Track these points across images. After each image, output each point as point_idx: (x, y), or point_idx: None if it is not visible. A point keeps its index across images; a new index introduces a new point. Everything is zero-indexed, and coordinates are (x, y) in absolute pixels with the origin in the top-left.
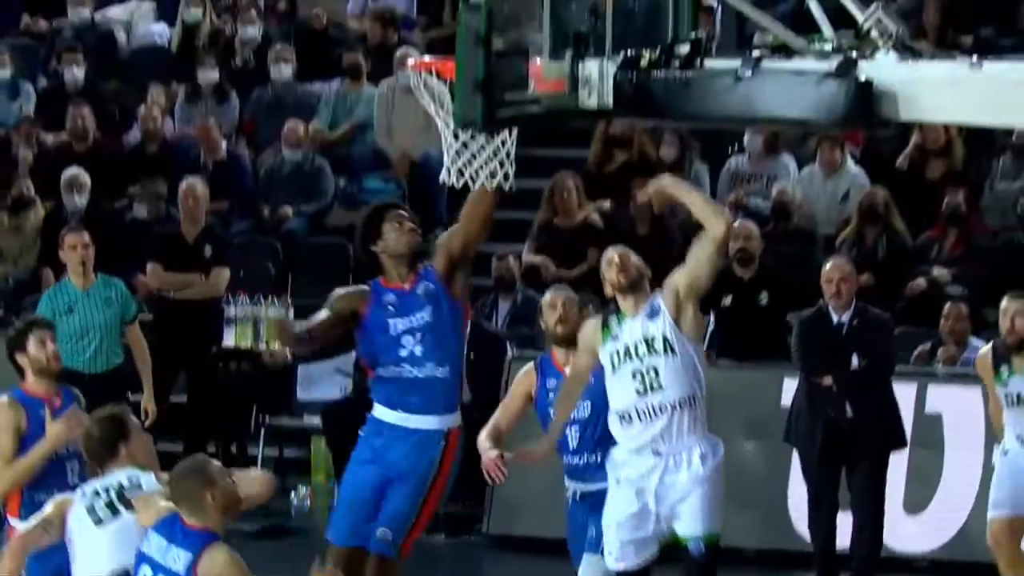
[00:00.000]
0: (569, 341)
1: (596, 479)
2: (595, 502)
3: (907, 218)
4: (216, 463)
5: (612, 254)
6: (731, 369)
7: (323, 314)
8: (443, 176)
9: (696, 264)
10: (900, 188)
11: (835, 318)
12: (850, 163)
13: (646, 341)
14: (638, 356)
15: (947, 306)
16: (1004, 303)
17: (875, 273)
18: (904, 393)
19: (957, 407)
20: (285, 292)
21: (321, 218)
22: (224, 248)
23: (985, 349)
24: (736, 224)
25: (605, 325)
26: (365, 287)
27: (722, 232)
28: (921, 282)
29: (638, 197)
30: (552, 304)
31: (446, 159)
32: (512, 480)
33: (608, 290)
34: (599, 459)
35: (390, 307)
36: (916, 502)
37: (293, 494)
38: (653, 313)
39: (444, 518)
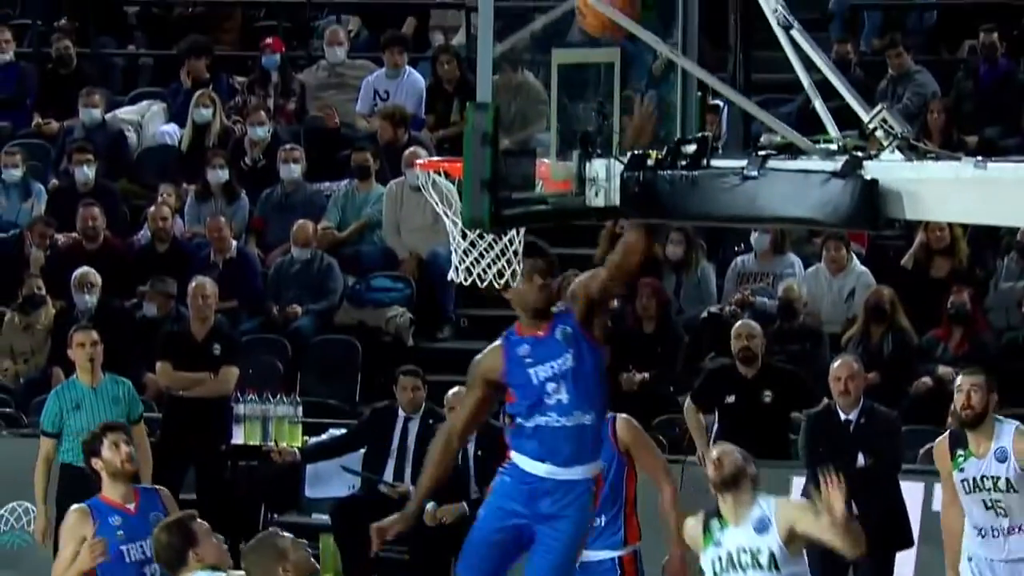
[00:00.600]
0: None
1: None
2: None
3: (912, 317)
4: (287, 536)
5: (714, 452)
6: None
7: (469, 400)
8: (451, 274)
9: (817, 532)
10: (905, 287)
11: (843, 416)
12: (856, 262)
13: (751, 553)
14: (742, 567)
15: (952, 404)
16: (958, 380)
17: (881, 371)
18: (911, 491)
19: None
20: (294, 391)
21: (330, 317)
22: (233, 347)
23: (941, 438)
24: (739, 323)
25: (707, 529)
26: (498, 342)
27: (856, 553)
28: (927, 380)
29: None
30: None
31: (454, 258)
32: None
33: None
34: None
35: (527, 357)
36: None
37: None
38: (762, 527)
39: None
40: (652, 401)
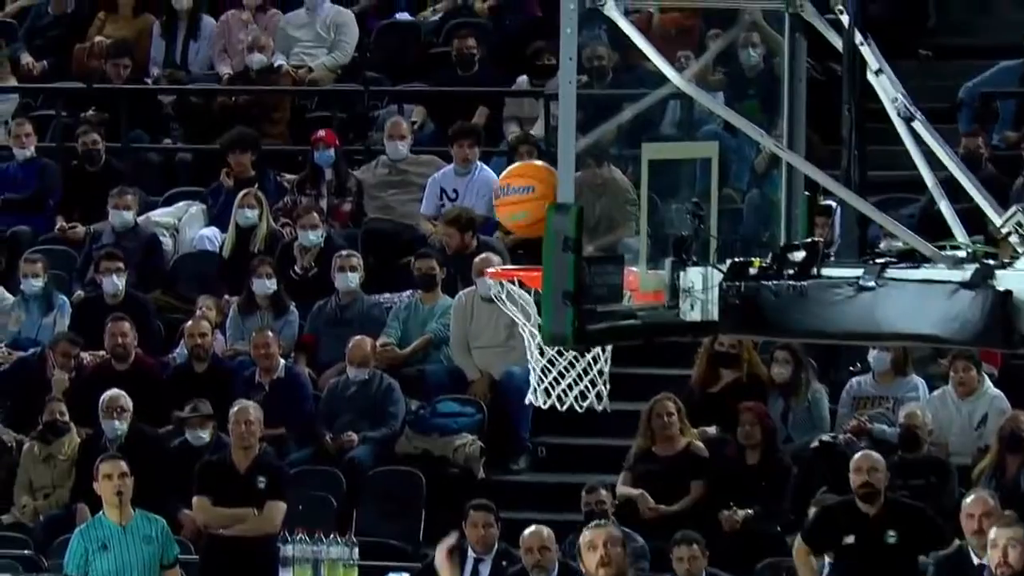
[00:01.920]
0: None
1: None
2: None
3: None
4: None
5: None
6: None
7: None
8: (529, 397)
9: None
10: None
11: (975, 559)
12: (988, 384)
13: None
14: None
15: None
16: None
17: (1018, 508)
18: None
19: None
20: (349, 529)
21: (390, 445)
22: (280, 479)
23: None
24: (860, 455)
25: None
26: None
27: None
28: None
29: None
30: (592, 544)
31: (532, 378)
32: None
33: None
34: None
35: None
36: None
37: None
38: None
39: None
40: (756, 541)
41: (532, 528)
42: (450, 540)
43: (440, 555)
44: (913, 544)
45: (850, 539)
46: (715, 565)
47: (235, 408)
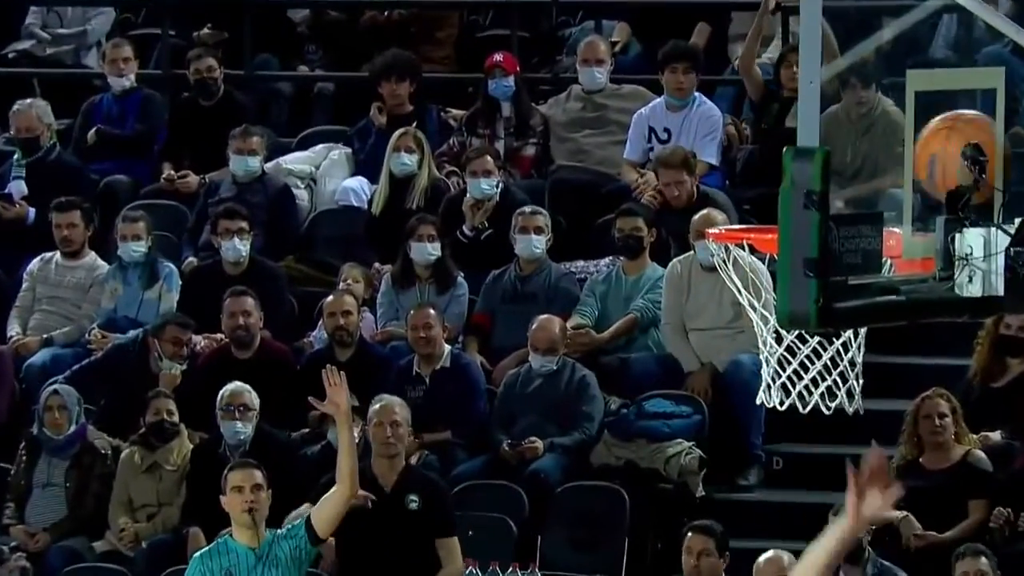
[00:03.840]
0: None
1: None
2: None
3: None
4: None
5: None
6: None
7: None
8: (761, 395)
9: None
10: None
11: None
12: None
13: None
14: None
15: None
16: None
17: None
18: None
19: None
20: (533, 561)
21: (585, 454)
22: (441, 501)
23: None
24: None
25: None
26: None
27: None
28: None
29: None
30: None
31: (765, 372)
32: None
33: None
34: None
35: None
36: None
37: None
38: None
39: None
40: None
41: (770, 554)
42: None
43: None
44: None
45: None
46: None
47: (375, 405)
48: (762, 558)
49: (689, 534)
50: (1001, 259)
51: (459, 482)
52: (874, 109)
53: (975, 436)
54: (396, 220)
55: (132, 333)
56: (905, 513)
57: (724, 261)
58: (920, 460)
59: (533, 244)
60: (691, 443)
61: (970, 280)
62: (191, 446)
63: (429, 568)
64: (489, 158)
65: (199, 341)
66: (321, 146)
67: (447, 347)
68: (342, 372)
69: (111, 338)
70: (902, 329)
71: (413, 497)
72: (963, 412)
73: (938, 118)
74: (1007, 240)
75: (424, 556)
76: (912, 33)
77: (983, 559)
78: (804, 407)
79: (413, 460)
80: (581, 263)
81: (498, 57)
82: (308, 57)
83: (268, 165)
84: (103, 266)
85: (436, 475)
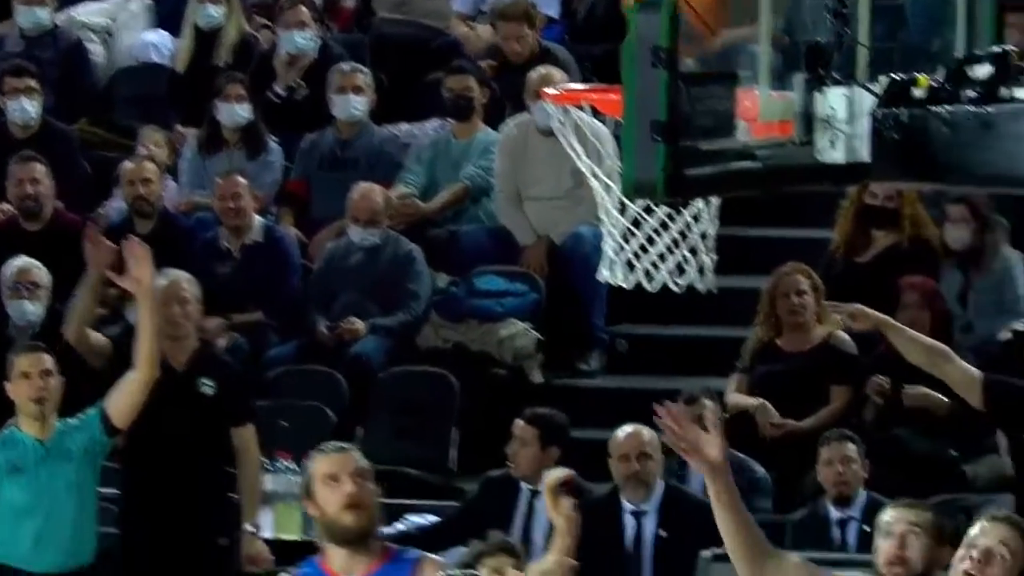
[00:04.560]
0: None
1: None
2: None
3: None
4: None
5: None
6: None
7: None
8: (603, 271)
9: None
10: None
11: None
12: None
13: None
14: None
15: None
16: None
17: None
18: None
19: None
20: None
21: (410, 337)
22: (233, 384)
23: None
24: None
25: None
26: None
27: None
28: None
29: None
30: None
31: (607, 244)
32: None
33: None
34: None
35: None
36: None
37: None
38: None
39: None
40: (925, 471)
41: (630, 429)
42: (558, 474)
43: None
44: None
45: None
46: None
47: (163, 281)
48: (621, 432)
49: (522, 424)
50: (866, 122)
51: (271, 367)
52: None
53: (838, 316)
54: (201, 78)
55: None
56: (761, 400)
57: (563, 124)
58: (778, 342)
59: (353, 105)
60: (527, 324)
61: (832, 145)
62: None
63: (225, 458)
64: (304, 9)
65: None
66: None
67: (258, 219)
68: (144, 245)
69: None
70: (758, 199)
71: (206, 380)
72: (824, 289)
73: None
74: (872, 101)
75: (219, 445)
76: None
77: (850, 444)
78: (651, 284)
79: (221, 343)
80: (406, 126)
81: None
82: None
83: (59, 17)
84: None
85: (232, 359)
